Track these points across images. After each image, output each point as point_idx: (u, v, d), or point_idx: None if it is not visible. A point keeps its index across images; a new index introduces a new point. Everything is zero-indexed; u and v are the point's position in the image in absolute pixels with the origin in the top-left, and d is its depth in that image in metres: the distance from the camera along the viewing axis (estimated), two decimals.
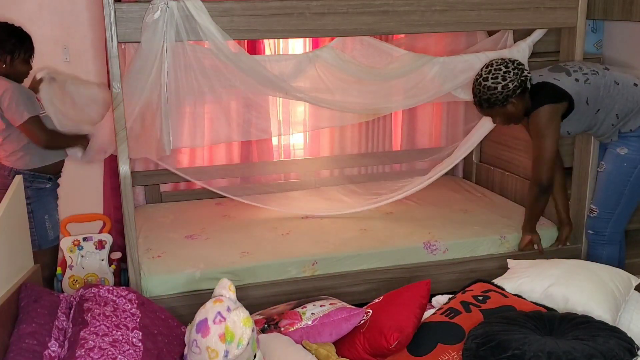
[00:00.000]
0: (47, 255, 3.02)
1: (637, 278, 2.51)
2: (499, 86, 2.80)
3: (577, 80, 2.87)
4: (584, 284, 2.36)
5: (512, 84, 2.80)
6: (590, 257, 3.10)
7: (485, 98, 2.84)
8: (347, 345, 2.21)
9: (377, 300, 2.39)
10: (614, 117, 2.88)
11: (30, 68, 2.92)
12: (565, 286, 2.36)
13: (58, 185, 3.08)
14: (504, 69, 2.81)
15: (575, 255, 3.16)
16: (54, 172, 3.00)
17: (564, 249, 3.22)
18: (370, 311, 2.28)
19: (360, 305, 2.79)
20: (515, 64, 2.84)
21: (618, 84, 2.88)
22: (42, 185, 2.93)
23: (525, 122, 2.98)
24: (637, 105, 2.87)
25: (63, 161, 3.06)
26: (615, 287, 2.38)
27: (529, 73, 2.86)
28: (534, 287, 2.40)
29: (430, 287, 2.32)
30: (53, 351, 1.84)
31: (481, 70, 2.89)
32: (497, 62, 2.85)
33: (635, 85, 2.90)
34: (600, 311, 2.25)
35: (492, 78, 2.81)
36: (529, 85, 2.85)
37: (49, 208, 2.97)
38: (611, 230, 3.04)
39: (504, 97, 2.81)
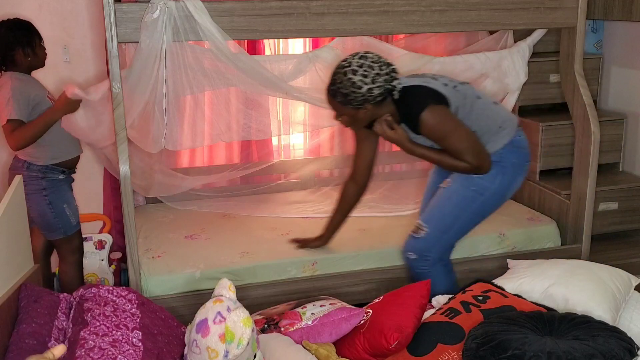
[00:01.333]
0: (75, 240, 3.08)
1: (637, 278, 2.51)
2: (364, 87, 2.44)
3: (445, 85, 2.58)
4: (584, 284, 2.36)
5: (378, 90, 2.45)
6: (412, 277, 2.79)
7: (343, 92, 2.47)
8: (347, 345, 2.21)
9: (377, 300, 2.39)
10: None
11: (45, 49, 2.99)
12: (565, 286, 2.37)
13: (72, 179, 3.10)
14: (377, 70, 2.45)
15: (575, 255, 3.16)
16: (68, 166, 3.02)
17: (564, 249, 3.22)
18: (370, 311, 2.28)
19: (360, 305, 2.78)
20: (390, 69, 2.49)
21: (480, 98, 2.65)
22: (56, 176, 2.95)
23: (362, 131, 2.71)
24: (494, 124, 2.63)
25: (78, 157, 3.08)
26: (615, 287, 2.38)
27: (399, 83, 2.52)
28: (534, 287, 2.40)
29: (431, 287, 2.32)
30: None
31: (353, 58, 2.49)
32: (372, 59, 2.47)
33: (495, 103, 2.74)
34: (600, 311, 2.25)
35: (361, 74, 2.44)
36: (395, 96, 2.52)
37: (66, 197, 3.00)
38: (435, 255, 2.71)
39: (363, 99, 2.47)
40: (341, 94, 2.49)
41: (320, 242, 3.02)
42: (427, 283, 2.32)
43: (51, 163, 2.92)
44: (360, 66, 2.45)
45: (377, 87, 2.46)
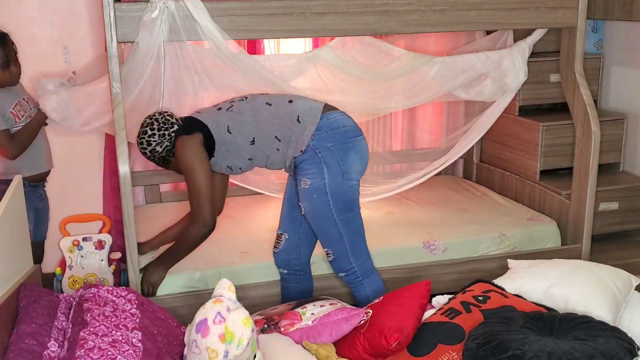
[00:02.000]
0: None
1: (637, 278, 2.51)
2: (147, 151, 2.65)
3: (219, 109, 2.69)
4: (584, 284, 2.36)
5: (161, 147, 2.64)
6: (357, 300, 2.75)
7: (147, 158, 2.70)
8: (347, 345, 2.21)
9: (377, 301, 2.39)
10: (275, 140, 2.61)
11: (18, 65, 2.89)
12: (566, 286, 2.36)
13: (39, 194, 3.01)
14: (149, 132, 2.63)
15: (576, 256, 3.16)
16: (32, 179, 2.93)
17: (564, 249, 3.21)
18: (370, 311, 2.28)
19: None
20: (161, 122, 2.64)
21: (270, 105, 2.65)
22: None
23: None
24: (291, 121, 2.59)
25: (48, 172, 3.00)
26: (616, 287, 2.38)
27: (175, 129, 2.64)
28: (534, 288, 2.40)
29: (431, 287, 2.32)
30: (52, 351, 1.84)
31: (139, 128, 2.69)
32: (145, 123, 2.66)
33: (290, 102, 2.66)
34: (600, 311, 2.25)
35: (139, 143, 2.66)
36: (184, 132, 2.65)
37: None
38: (358, 263, 2.70)
39: (159, 159, 2.67)
40: (147, 158, 2.70)
41: (147, 247, 2.97)
42: (427, 283, 2.32)
43: (9, 178, 2.80)
44: (138, 135, 2.66)
45: (157, 144, 2.63)
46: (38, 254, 3.09)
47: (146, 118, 2.68)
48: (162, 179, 3.75)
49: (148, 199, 3.77)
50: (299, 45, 3.76)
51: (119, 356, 1.77)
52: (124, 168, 2.60)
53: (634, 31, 3.55)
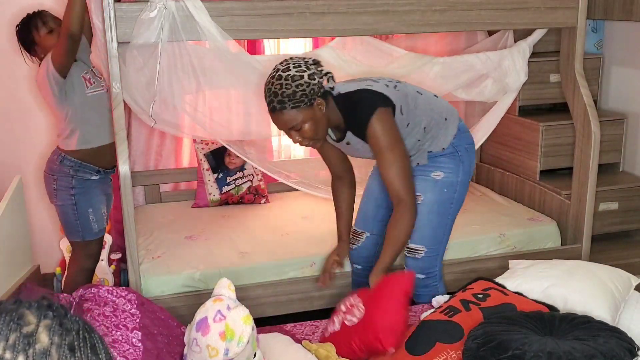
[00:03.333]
0: (93, 247, 2.96)
1: (637, 278, 2.51)
2: (305, 75, 2.25)
3: (387, 85, 2.46)
4: (583, 284, 2.36)
5: (317, 77, 2.28)
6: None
7: (289, 93, 2.24)
8: (344, 346, 2.21)
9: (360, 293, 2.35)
10: (422, 130, 2.50)
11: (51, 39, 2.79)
12: (565, 286, 2.36)
13: (109, 180, 2.99)
14: (303, 62, 2.29)
15: (576, 256, 3.16)
16: (103, 164, 2.89)
17: (564, 249, 3.21)
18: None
19: None
20: (312, 60, 2.33)
21: (421, 94, 2.55)
22: (88, 176, 2.84)
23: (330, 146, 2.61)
24: (440, 116, 2.54)
25: (114, 156, 2.84)
26: (615, 287, 2.38)
27: (331, 77, 2.37)
28: (533, 288, 2.40)
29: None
30: None
31: (276, 66, 2.32)
32: (295, 57, 2.35)
33: (436, 96, 2.63)
34: (599, 311, 2.25)
35: (294, 67, 2.26)
36: (330, 91, 2.39)
37: (94, 201, 2.87)
38: (439, 266, 2.68)
39: (310, 90, 2.25)
40: (288, 97, 2.25)
41: (346, 245, 2.81)
42: (410, 274, 2.33)
43: (83, 148, 2.81)
44: (288, 64, 2.30)
45: (314, 73, 2.28)
46: (97, 248, 3.04)
47: (284, 61, 2.33)
48: (162, 179, 3.76)
49: (148, 199, 3.77)
50: (299, 45, 3.77)
51: (119, 356, 1.77)
52: (124, 168, 2.61)
53: (634, 31, 3.55)
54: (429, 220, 2.58)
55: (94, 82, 2.86)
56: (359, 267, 2.83)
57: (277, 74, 2.28)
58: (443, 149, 2.56)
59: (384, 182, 2.44)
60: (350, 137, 2.47)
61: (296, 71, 2.25)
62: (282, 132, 3.36)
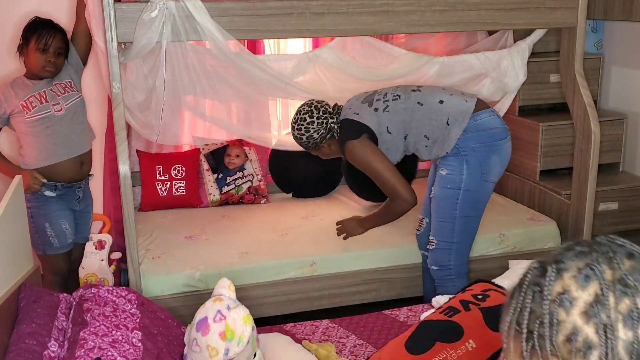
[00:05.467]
0: (57, 262, 2.89)
1: None
2: (304, 137, 2.82)
3: (376, 110, 2.78)
4: None
5: (318, 134, 2.81)
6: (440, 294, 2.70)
7: (299, 143, 2.89)
8: None
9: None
10: (424, 138, 2.73)
11: (48, 58, 2.76)
12: None
13: (76, 196, 2.91)
14: (308, 119, 2.80)
15: None
16: (61, 180, 2.82)
17: None
18: None
19: (359, 305, 2.79)
20: (321, 112, 2.81)
21: (422, 105, 2.73)
22: (43, 191, 2.78)
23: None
24: (440, 123, 2.69)
25: (78, 172, 2.88)
26: None
27: (334, 119, 2.83)
28: None
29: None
30: (53, 351, 1.84)
31: (295, 115, 2.87)
32: (303, 111, 2.83)
33: (441, 102, 2.72)
34: None
35: (297, 129, 2.83)
36: (336, 131, 2.83)
37: (51, 217, 2.81)
38: (455, 262, 2.76)
39: (313, 144, 2.85)
40: (300, 144, 2.90)
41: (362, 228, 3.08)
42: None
43: (31, 167, 2.77)
44: (295, 122, 2.84)
45: (315, 131, 2.80)
46: (76, 255, 3.02)
47: (303, 105, 2.86)
48: None
49: None
50: (299, 45, 3.77)
51: (119, 356, 1.77)
52: (124, 168, 2.61)
53: (634, 31, 3.55)
54: (437, 213, 2.75)
55: (36, 106, 2.77)
56: (425, 253, 2.94)
57: (292, 125, 2.86)
58: (447, 153, 2.68)
59: None
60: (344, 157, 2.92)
61: (297, 133, 2.83)
62: (281, 130, 3.43)
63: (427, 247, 2.84)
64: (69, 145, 2.85)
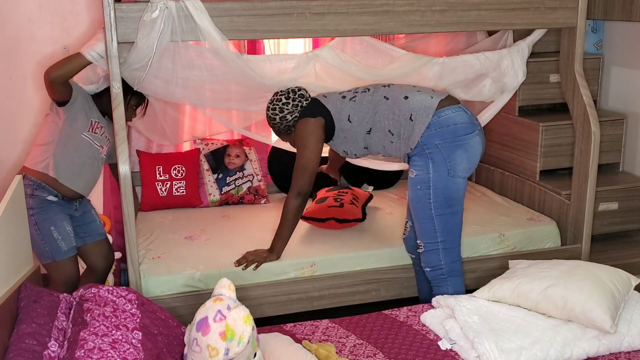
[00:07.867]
0: (67, 268, 2.84)
1: (637, 278, 2.51)
2: (277, 117, 2.87)
3: (343, 97, 2.87)
4: (583, 284, 2.36)
5: (291, 116, 2.86)
6: (437, 295, 2.70)
7: (271, 125, 2.95)
8: None
9: None
10: (388, 133, 2.74)
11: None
12: (564, 287, 2.36)
13: (74, 207, 2.91)
14: (284, 100, 2.86)
15: (576, 256, 3.16)
16: (63, 194, 2.82)
17: (564, 249, 3.21)
18: None
19: (359, 305, 2.79)
20: (297, 95, 2.87)
21: (387, 99, 2.76)
22: (45, 196, 2.77)
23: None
24: (404, 119, 2.69)
25: (75, 195, 2.88)
26: (614, 286, 2.38)
27: (306, 101, 2.88)
28: (532, 288, 2.40)
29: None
30: (53, 351, 1.84)
31: (272, 96, 2.93)
32: (280, 92, 2.89)
33: (406, 98, 2.73)
34: (599, 311, 2.24)
35: (271, 109, 2.89)
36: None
37: (55, 219, 2.78)
38: (446, 261, 2.75)
39: (285, 127, 2.89)
40: (271, 127, 2.97)
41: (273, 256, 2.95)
42: None
43: (50, 174, 2.76)
44: (270, 102, 2.90)
45: (288, 113, 2.85)
46: (73, 271, 2.91)
47: (282, 89, 2.90)
48: None
49: None
50: (299, 45, 3.77)
51: (119, 357, 1.77)
52: (124, 168, 2.61)
53: (634, 31, 3.55)
54: (415, 216, 2.77)
55: (97, 133, 2.85)
56: (413, 255, 2.98)
57: (267, 106, 2.91)
58: (411, 148, 2.69)
59: None
60: None
61: (271, 112, 2.88)
62: None
63: (417, 250, 2.84)
64: (87, 184, 2.90)
